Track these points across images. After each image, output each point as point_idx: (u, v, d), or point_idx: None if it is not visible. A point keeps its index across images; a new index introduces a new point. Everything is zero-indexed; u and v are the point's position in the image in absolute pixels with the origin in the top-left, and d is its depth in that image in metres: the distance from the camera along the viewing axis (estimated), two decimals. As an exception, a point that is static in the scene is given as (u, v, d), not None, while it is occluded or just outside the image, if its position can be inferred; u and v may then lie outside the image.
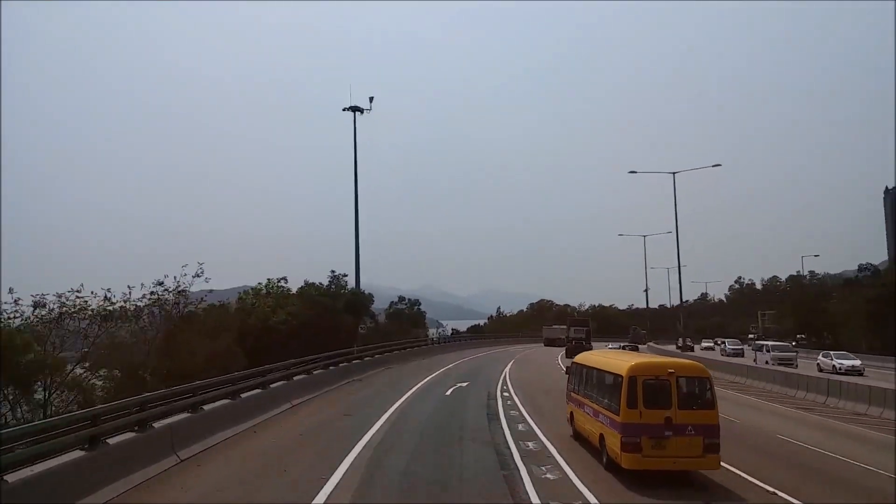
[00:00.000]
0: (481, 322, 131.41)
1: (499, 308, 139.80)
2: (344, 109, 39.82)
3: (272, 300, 30.86)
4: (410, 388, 23.93)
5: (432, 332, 77.40)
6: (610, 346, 54.75)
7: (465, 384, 26.41)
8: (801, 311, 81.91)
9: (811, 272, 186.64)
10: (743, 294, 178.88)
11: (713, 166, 53.85)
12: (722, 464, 11.12)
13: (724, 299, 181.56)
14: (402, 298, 60.95)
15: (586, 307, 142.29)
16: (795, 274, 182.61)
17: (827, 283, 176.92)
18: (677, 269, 56.74)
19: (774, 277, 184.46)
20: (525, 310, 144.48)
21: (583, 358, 15.09)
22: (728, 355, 56.07)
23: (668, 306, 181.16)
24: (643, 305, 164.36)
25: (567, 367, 16.20)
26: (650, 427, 10.90)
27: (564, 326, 71.48)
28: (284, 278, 32.44)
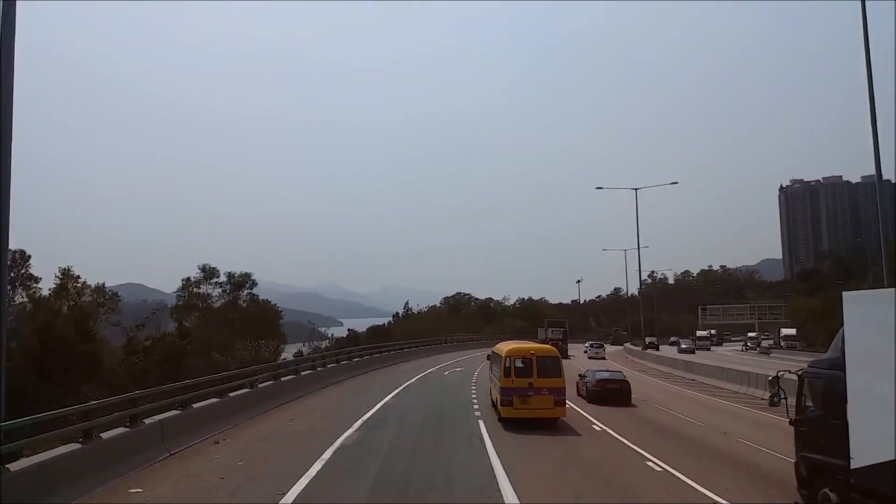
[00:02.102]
0: (385, 321, 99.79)
1: (406, 304, 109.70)
2: None
3: None
4: None
5: (304, 347, 45.11)
6: (587, 344, 66.10)
7: None
8: None
9: (722, 266, 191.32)
10: (655, 288, 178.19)
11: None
12: None
13: (638, 294, 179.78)
14: (211, 270, 31.32)
15: (512, 301, 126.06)
16: (708, 268, 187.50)
17: (737, 277, 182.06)
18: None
19: (686, 272, 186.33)
20: (438, 305, 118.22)
21: (495, 347, 21.05)
22: None
23: (604, 296, 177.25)
24: (565, 299, 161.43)
25: (487, 355, 23.09)
26: (519, 389, 17.08)
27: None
28: None
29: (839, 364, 8.70)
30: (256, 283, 34.58)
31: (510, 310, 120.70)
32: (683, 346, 68.82)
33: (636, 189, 54.23)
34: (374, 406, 20.34)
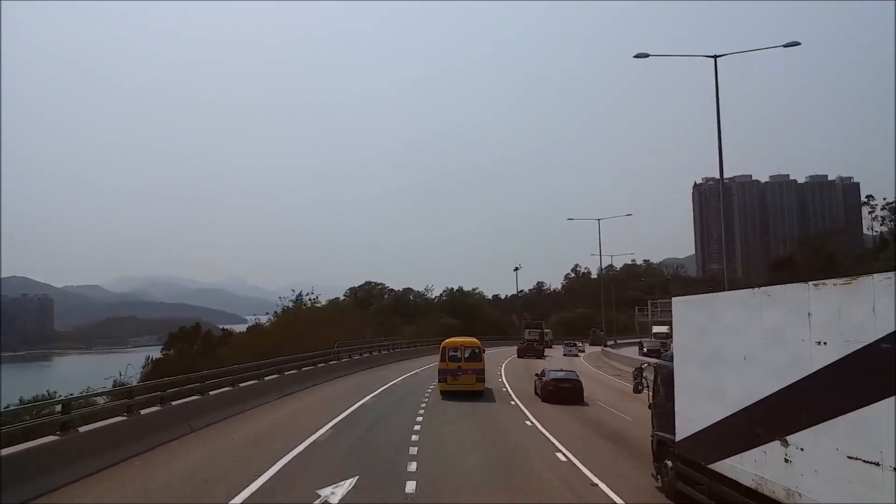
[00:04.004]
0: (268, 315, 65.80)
1: (299, 295, 69.73)
2: None
3: None
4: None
5: None
6: (565, 343, 69.76)
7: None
8: None
9: (646, 260, 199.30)
10: (579, 282, 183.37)
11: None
12: None
13: (561, 288, 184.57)
14: None
15: (437, 292, 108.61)
16: (632, 262, 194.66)
17: (661, 272, 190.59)
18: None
19: (610, 266, 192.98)
20: (343, 297, 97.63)
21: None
22: None
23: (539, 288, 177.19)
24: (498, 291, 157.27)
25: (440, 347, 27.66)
26: (451, 370, 25.15)
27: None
28: None
29: None
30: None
31: (435, 303, 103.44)
32: None
33: (716, 56, 36.76)
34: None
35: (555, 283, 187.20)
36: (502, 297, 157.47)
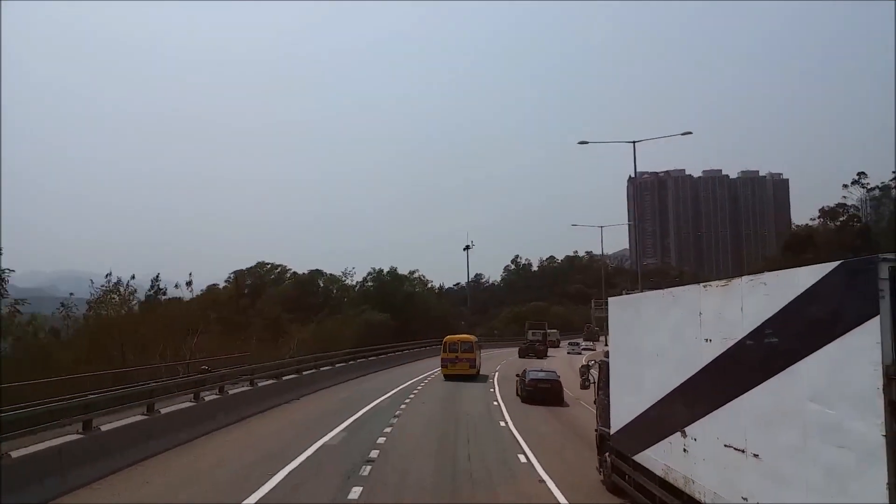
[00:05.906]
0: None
1: (156, 279, 43.32)
2: None
3: None
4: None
5: None
6: (569, 342, 73.99)
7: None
8: None
9: (588, 252, 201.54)
10: (520, 275, 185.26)
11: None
12: None
13: (500, 281, 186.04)
14: None
15: (359, 276, 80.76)
16: (573, 254, 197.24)
17: (605, 264, 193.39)
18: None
19: (552, 258, 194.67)
20: (225, 284, 75.72)
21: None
22: None
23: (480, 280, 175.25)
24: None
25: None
26: (451, 359, 35.42)
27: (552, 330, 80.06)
28: None
29: None
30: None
31: (356, 292, 77.53)
32: None
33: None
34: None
35: (494, 275, 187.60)
36: (436, 288, 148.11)
